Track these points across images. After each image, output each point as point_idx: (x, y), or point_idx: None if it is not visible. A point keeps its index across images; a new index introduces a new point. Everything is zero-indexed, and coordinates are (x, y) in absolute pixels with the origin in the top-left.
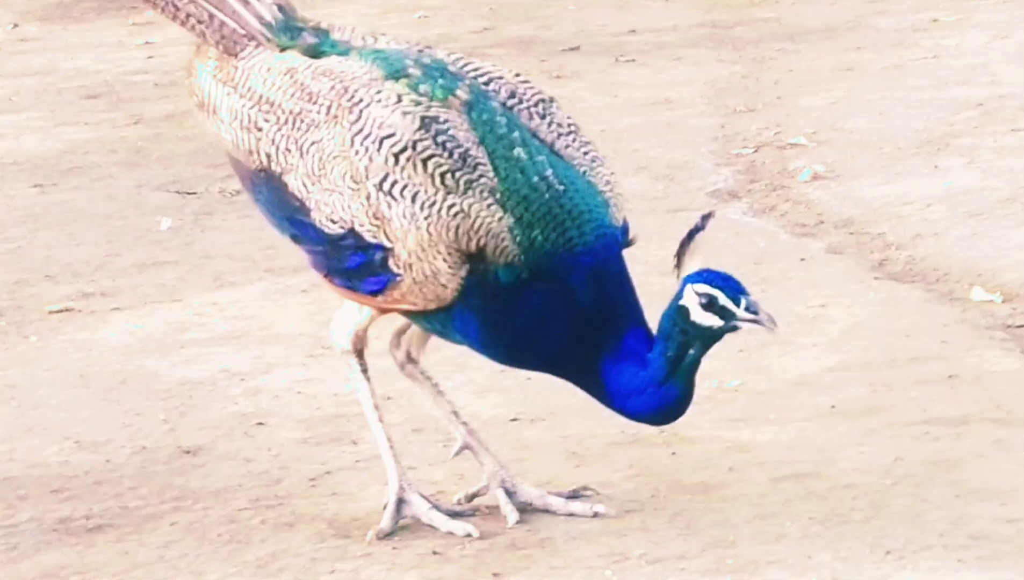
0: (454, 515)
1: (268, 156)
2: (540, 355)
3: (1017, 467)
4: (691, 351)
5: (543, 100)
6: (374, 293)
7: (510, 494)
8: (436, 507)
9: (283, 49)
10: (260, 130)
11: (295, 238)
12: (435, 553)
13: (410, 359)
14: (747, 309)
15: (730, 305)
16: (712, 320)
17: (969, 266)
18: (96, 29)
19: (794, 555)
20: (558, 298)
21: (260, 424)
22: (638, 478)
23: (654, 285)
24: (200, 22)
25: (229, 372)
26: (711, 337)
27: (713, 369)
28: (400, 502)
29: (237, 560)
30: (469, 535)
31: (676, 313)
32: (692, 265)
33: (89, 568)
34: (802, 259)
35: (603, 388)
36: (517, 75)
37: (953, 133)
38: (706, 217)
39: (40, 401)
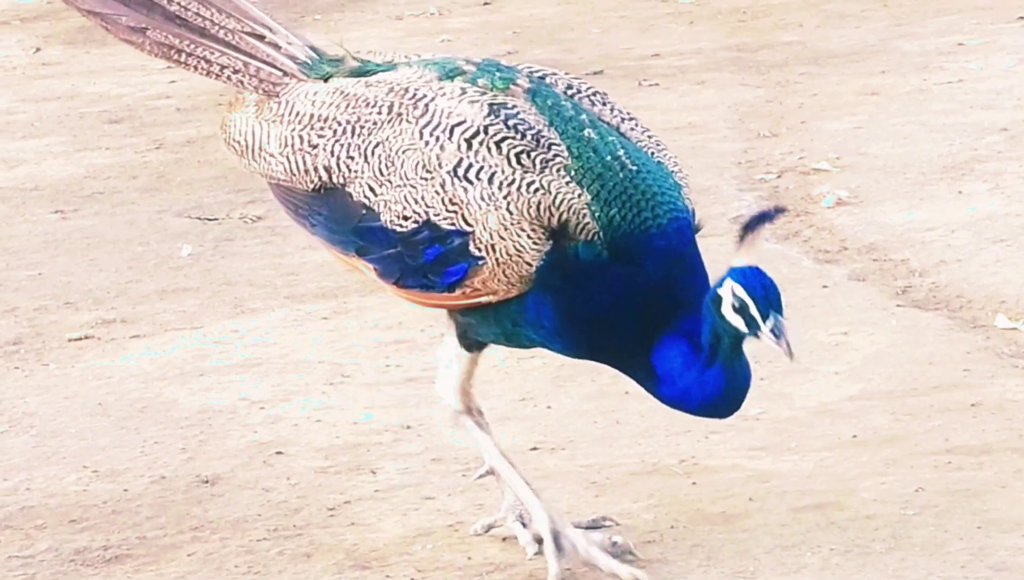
0: (615, 556)
1: (328, 169)
2: (614, 342)
3: None
4: (723, 341)
5: (599, 92)
6: (452, 285)
7: (526, 526)
8: (593, 543)
9: (326, 79)
10: (315, 147)
11: (362, 250)
12: None
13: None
14: (772, 330)
15: (757, 318)
16: (738, 323)
17: (993, 293)
18: (119, 53)
19: None
20: (634, 282)
21: (279, 453)
22: (658, 508)
23: None
24: (236, 72)
25: (249, 400)
26: (738, 336)
27: None
28: (556, 535)
29: None
30: (636, 578)
31: (712, 299)
32: (747, 255)
33: None
34: (825, 286)
35: (654, 375)
36: (567, 73)
37: (977, 158)
38: (779, 209)
39: (58, 429)
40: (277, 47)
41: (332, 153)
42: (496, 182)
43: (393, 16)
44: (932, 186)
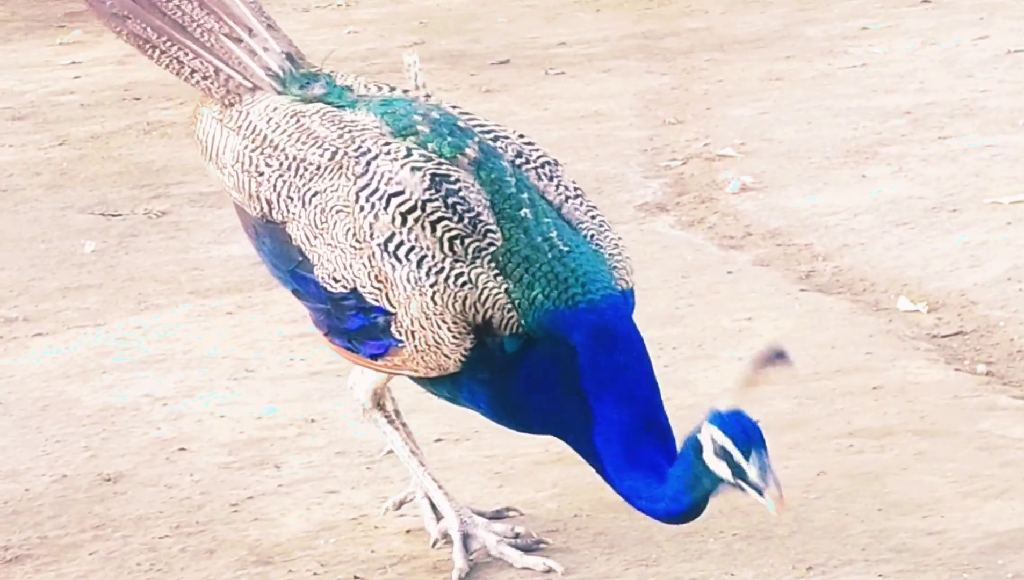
0: (527, 550)
1: (269, 203)
2: (551, 420)
3: (939, 479)
4: (704, 482)
5: (548, 162)
6: (374, 357)
7: (434, 507)
8: (504, 539)
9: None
10: (262, 175)
11: (297, 293)
12: (356, 578)
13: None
14: (759, 470)
15: (741, 462)
16: (721, 469)
17: (895, 276)
18: (23, 49)
19: (716, 572)
20: (560, 358)
21: (182, 449)
22: (562, 497)
23: None
24: (205, 77)
25: (152, 397)
26: (721, 482)
27: None
28: (466, 537)
29: None
30: (551, 570)
31: (692, 446)
32: (737, 396)
33: None
34: (729, 272)
35: (604, 470)
36: (521, 136)
37: (881, 142)
38: (781, 354)
39: None
40: (253, 53)
41: (275, 188)
42: (425, 267)
43: (300, 8)
44: (836, 170)
